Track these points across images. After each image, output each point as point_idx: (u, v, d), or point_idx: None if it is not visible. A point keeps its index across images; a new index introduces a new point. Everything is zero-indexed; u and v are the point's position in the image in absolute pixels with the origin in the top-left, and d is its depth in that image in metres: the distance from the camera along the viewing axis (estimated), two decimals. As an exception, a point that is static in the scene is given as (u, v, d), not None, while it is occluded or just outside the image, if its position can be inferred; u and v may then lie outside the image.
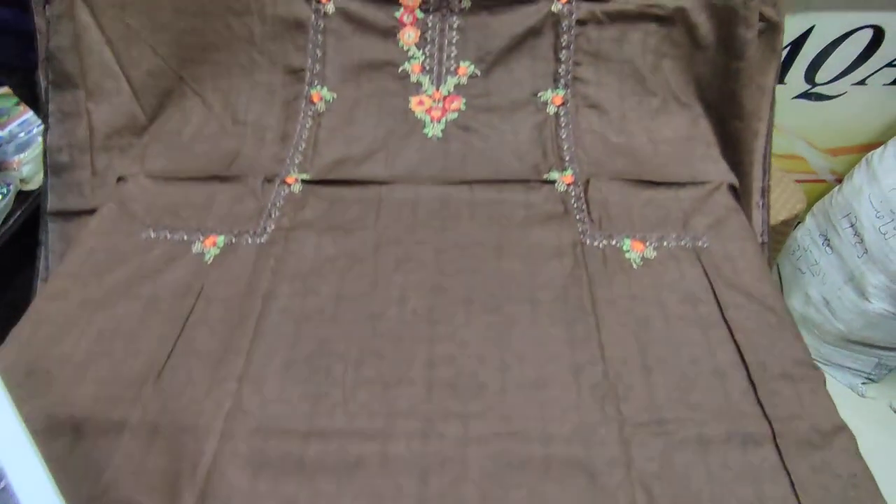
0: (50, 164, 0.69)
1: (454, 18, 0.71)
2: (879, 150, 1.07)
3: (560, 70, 0.71)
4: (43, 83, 0.69)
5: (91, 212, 0.67)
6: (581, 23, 0.70)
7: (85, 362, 0.51)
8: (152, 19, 0.70)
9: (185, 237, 0.61)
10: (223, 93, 0.72)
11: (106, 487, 0.43)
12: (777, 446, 0.45)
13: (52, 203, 0.68)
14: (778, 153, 1.16)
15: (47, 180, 0.69)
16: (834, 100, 1.06)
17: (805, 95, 1.06)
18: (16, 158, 1.15)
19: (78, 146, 0.69)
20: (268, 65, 0.71)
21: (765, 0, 0.68)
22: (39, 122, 0.97)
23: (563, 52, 0.71)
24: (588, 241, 0.60)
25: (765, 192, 0.69)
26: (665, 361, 0.51)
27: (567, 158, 0.67)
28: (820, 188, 1.22)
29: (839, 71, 1.00)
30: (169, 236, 0.61)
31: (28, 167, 1.16)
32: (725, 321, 0.53)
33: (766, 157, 0.70)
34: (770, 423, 0.46)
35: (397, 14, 0.71)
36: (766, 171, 0.70)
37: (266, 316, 0.55)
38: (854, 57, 0.97)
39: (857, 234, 1.09)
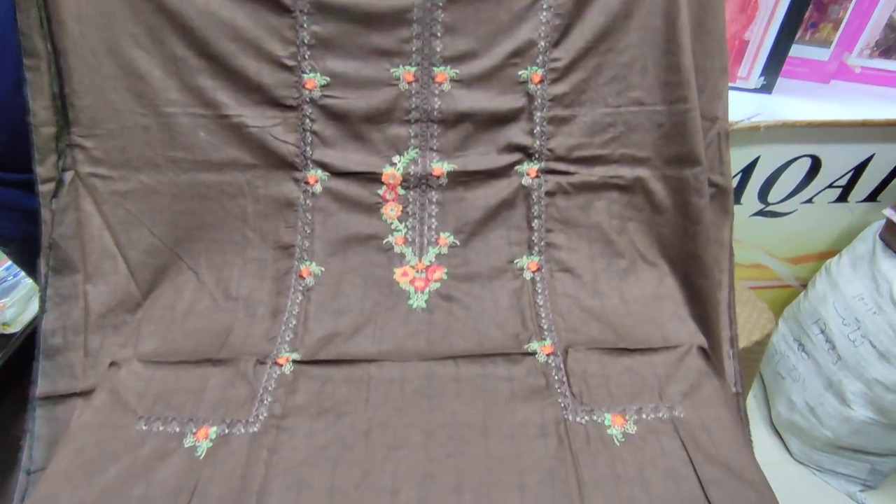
0: (43, 349, 0.70)
1: (433, 193, 0.77)
2: (836, 258, 1.14)
3: (533, 237, 0.77)
4: (43, 270, 0.72)
5: (81, 394, 0.68)
6: (550, 194, 0.77)
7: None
8: (151, 204, 0.74)
9: (178, 429, 0.62)
10: (217, 268, 0.76)
11: None
12: None
13: (42, 387, 0.69)
14: (743, 263, 1.23)
15: (38, 366, 0.70)
16: (787, 216, 1.14)
17: (760, 213, 1.14)
18: (0, 302, 1.17)
19: (72, 328, 0.71)
20: (259, 241, 0.76)
21: (713, 168, 0.75)
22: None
23: (536, 220, 0.77)
24: (570, 418, 0.62)
25: (733, 341, 0.73)
26: (653, 550, 0.52)
27: (545, 327, 0.71)
28: (787, 293, 1.28)
29: (788, 192, 1.09)
30: (161, 428, 0.62)
31: (12, 311, 1.17)
32: (708, 500, 0.55)
33: (730, 306, 0.74)
34: None
35: (380, 191, 0.77)
36: (733, 320, 0.74)
37: (259, 517, 0.55)
38: (798, 180, 1.06)
39: (828, 340, 1.13)
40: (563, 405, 0.63)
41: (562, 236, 0.77)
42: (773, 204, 1.12)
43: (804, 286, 1.24)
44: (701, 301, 0.73)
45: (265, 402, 0.64)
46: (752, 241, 1.20)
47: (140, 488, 0.57)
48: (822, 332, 1.14)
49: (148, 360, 0.69)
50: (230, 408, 0.64)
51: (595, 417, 0.62)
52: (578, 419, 0.62)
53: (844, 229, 1.17)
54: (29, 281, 1.15)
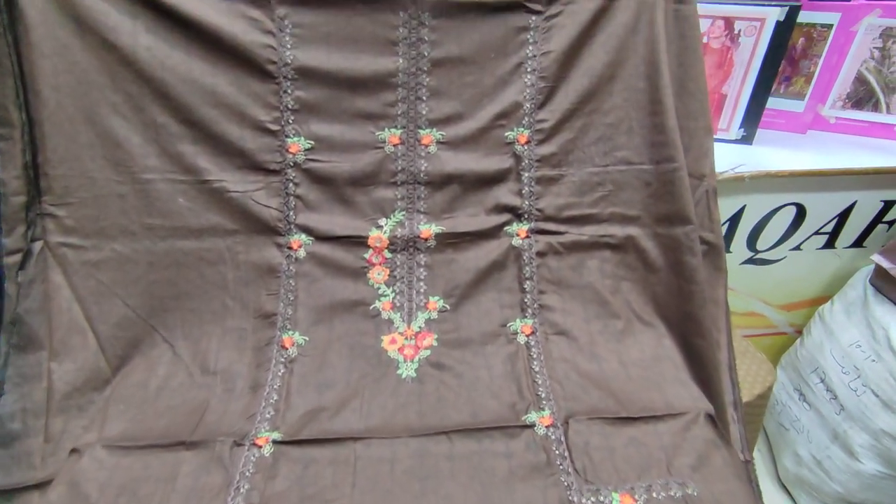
0: (-1, 437, 0.64)
1: (421, 256, 0.75)
2: (829, 305, 1.13)
3: (526, 300, 0.74)
4: (4, 349, 0.67)
5: (38, 486, 0.62)
6: (541, 254, 0.75)
7: None
8: (125, 274, 0.71)
9: (143, 526, 0.56)
10: (194, 340, 0.71)
11: None
12: None
13: (-6, 481, 0.63)
14: (738, 312, 1.22)
15: (-10, 456, 0.64)
16: (777, 263, 1.14)
17: (750, 261, 1.14)
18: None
19: (33, 411, 0.65)
20: (239, 310, 0.72)
21: (703, 226, 0.75)
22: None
23: (528, 282, 0.75)
24: (575, 499, 0.57)
25: (737, 404, 0.70)
26: None
27: (543, 395, 0.68)
28: (783, 340, 1.27)
29: (776, 240, 1.09)
30: (124, 526, 0.56)
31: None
32: (728, 592, 0.50)
33: (731, 368, 0.72)
34: None
35: (366, 255, 0.75)
36: (735, 383, 0.71)
37: None
38: (785, 228, 1.07)
39: (829, 389, 1.10)
40: (566, 484, 0.59)
41: (555, 297, 0.74)
42: (762, 251, 1.12)
43: (799, 332, 1.23)
44: (701, 362, 0.70)
45: (241, 490, 0.59)
46: (745, 289, 1.19)
47: None
48: (822, 381, 1.11)
49: (114, 446, 0.63)
50: (203, 498, 0.58)
51: (602, 498, 0.58)
52: (584, 500, 0.57)
53: (834, 275, 1.17)
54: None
